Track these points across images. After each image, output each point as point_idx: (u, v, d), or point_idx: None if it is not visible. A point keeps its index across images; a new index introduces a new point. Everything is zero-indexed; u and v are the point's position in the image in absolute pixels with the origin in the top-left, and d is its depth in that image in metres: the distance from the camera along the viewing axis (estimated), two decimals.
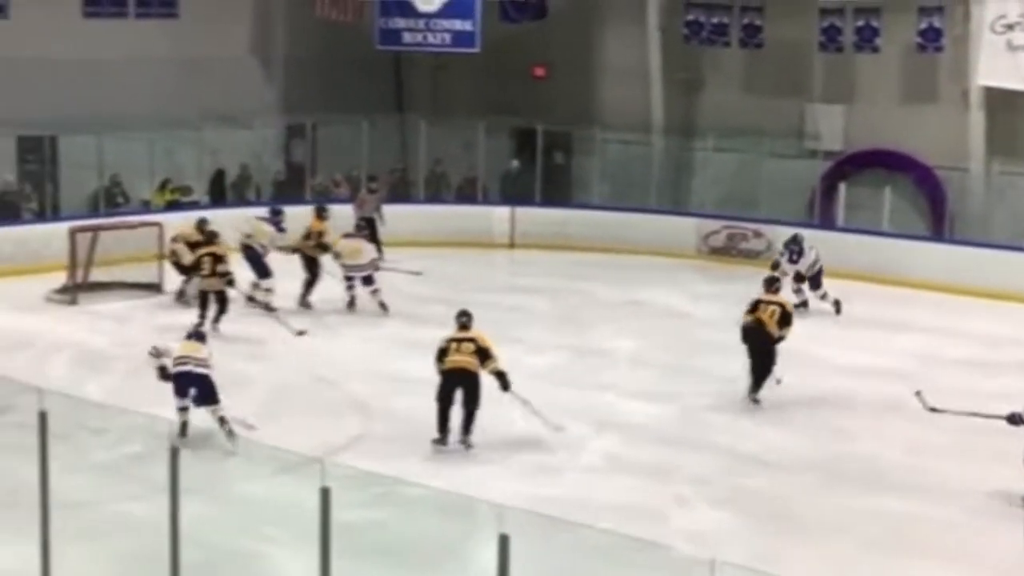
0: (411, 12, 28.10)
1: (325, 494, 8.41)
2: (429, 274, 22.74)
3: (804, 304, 21.45)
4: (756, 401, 17.01)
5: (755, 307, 17.31)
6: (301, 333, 19.54)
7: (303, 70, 28.22)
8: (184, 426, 15.05)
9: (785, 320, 17.17)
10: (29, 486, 10.13)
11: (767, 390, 17.08)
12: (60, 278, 21.93)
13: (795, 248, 21.87)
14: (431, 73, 30.46)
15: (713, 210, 26.79)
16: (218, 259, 20.21)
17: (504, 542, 7.60)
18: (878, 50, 25.99)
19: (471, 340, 15.12)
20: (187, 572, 9.51)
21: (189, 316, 20.06)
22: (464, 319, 15.34)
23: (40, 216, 25.09)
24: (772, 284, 18.10)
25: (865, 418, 15.65)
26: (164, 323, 20.17)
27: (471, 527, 11.29)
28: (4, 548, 11.36)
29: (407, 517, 12.25)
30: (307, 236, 21.80)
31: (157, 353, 15.50)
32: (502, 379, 15.20)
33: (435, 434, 15.03)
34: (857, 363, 18.88)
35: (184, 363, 15.21)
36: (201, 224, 21.41)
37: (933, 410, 15.10)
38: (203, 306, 20.04)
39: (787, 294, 19.60)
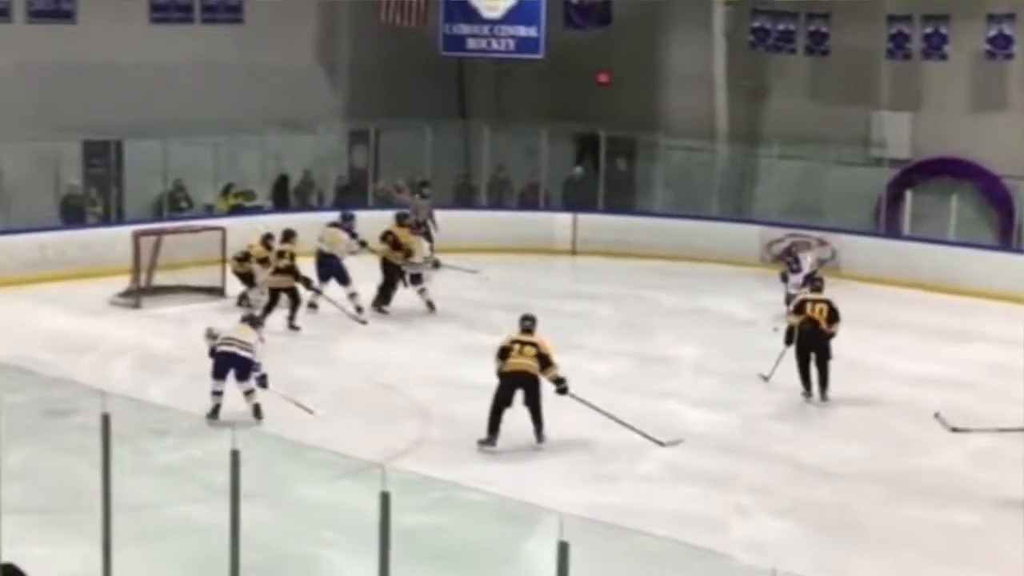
0: (475, 18, 28.15)
1: (385, 499, 8.37)
2: (490, 280, 22.73)
3: None
4: (826, 399, 17.13)
5: (802, 307, 17.43)
6: (363, 322, 20.79)
7: (367, 76, 28.26)
8: (216, 409, 15.66)
9: (834, 316, 17.26)
10: (92, 488, 10.16)
11: (829, 402, 17.05)
12: (124, 282, 22.06)
13: (791, 260, 22.19)
14: (494, 79, 30.42)
15: (777, 218, 26.60)
16: (282, 255, 20.52)
17: (563, 549, 7.53)
18: (946, 57, 25.78)
19: (533, 344, 15.17)
20: (247, 575, 9.50)
21: None
22: (528, 323, 15.40)
23: (105, 220, 25.21)
24: (815, 283, 18.29)
25: (931, 429, 15.45)
26: (227, 327, 20.27)
27: (530, 533, 11.25)
28: (67, 549, 11.41)
29: (466, 522, 12.23)
30: (396, 247, 21.79)
31: (212, 335, 16.09)
32: (560, 384, 15.25)
33: (489, 440, 15.07)
34: (923, 373, 18.68)
35: (229, 344, 15.84)
36: (267, 240, 21.45)
37: (955, 430, 14.98)
38: (271, 304, 20.28)
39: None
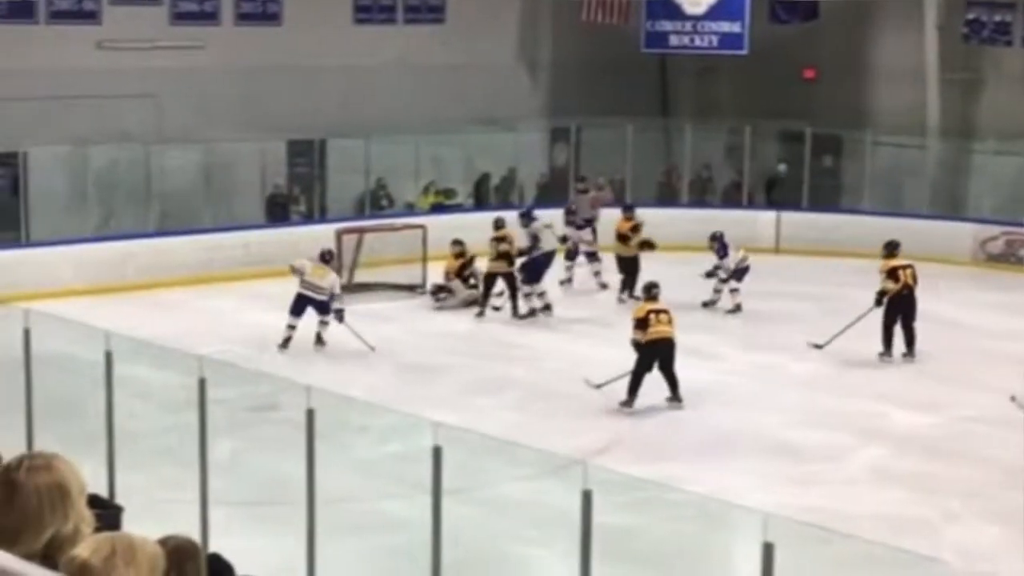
0: (678, 14, 27.86)
1: (586, 497, 8.27)
2: (691, 277, 22.42)
3: (738, 307, 21.77)
4: (914, 355, 18.30)
5: (895, 273, 18.53)
6: (547, 308, 20.95)
7: (568, 74, 28.19)
8: (287, 341, 18.46)
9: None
10: (295, 481, 10.24)
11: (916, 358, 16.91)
12: None
13: (717, 245, 22.18)
14: (697, 76, 30.12)
15: (991, 215, 25.86)
16: (501, 240, 20.92)
17: (768, 551, 7.34)
18: None
19: (666, 311, 16.16)
20: (448, 571, 9.48)
21: (447, 317, 20.42)
22: (655, 290, 16.44)
23: (308, 218, 25.61)
24: (895, 248, 19.11)
25: None
26: (425, 322, 20.45)
27: (732, 534, 11.04)
28: (271, 541, 11.54)
29: (667, 522, 12.07)
30: (618, 237, 22.52)
31: (295, 271, 18.73)
32: None
33: (628, 402, 16.06)
34: None
35: (305, 288, 18.61)
36: (457, 245, 21.86)
37: None
38: (488, 288, 20.80)
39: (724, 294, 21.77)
